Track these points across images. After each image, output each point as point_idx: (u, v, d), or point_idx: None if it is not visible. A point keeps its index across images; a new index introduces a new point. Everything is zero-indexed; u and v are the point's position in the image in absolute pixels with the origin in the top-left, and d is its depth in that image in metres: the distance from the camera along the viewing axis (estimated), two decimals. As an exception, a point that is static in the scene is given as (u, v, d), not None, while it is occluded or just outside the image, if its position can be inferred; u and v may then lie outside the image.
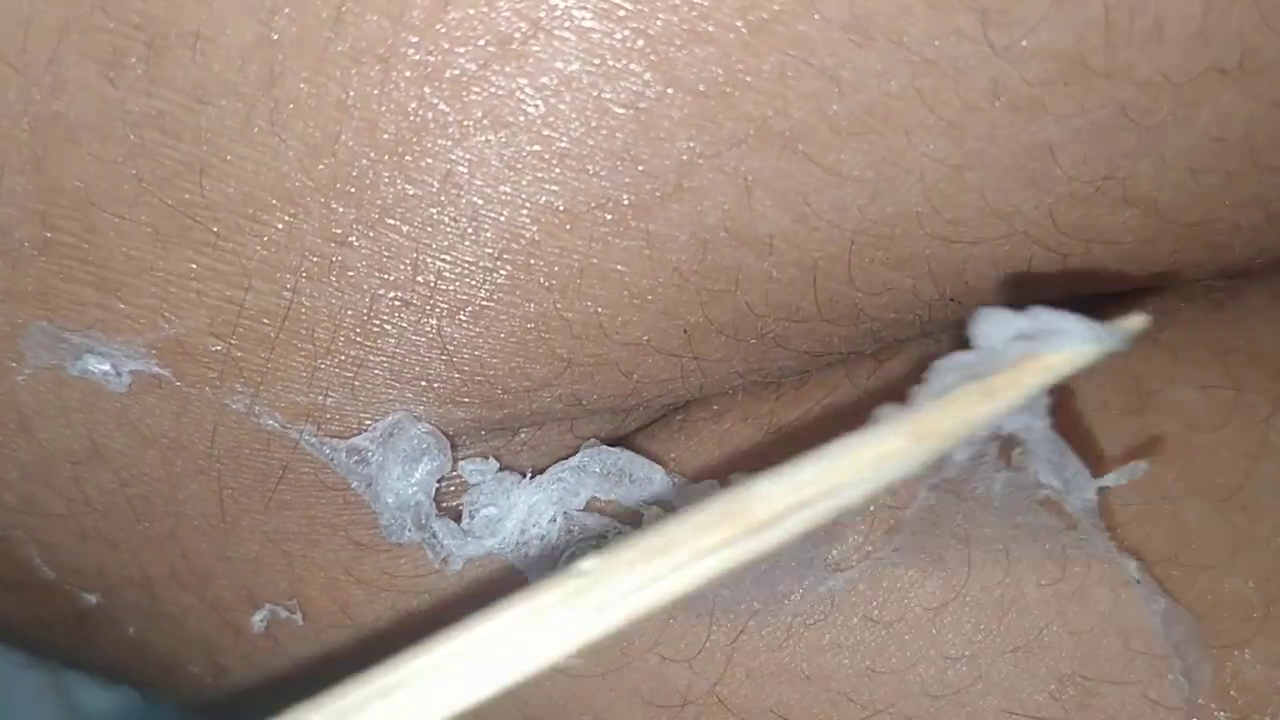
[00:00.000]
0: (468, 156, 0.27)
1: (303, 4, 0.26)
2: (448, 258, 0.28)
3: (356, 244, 0.28)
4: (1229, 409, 0.33)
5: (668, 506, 0.32)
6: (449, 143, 0.27)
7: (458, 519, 0.31)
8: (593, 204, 0.27)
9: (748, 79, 0.26)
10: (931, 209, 0.28)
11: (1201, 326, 0.34)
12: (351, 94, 0.27)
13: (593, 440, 0.33)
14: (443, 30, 0.26)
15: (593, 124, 0.27)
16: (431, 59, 0.26)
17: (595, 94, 0.27)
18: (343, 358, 0.29)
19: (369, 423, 0.30)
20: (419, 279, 0.28)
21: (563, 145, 0.27)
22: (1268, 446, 0.33)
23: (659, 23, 0.26)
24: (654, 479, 0.32)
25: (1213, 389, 0.33)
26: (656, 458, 0.33)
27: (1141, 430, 0.33)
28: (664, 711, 0.33)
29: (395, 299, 0.28)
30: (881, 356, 0.34)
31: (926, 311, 0.31)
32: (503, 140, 0.27)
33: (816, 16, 0.26)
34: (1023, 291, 0.31)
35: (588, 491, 0.32)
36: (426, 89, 0.27)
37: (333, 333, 0.29)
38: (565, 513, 0.32)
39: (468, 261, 0.28)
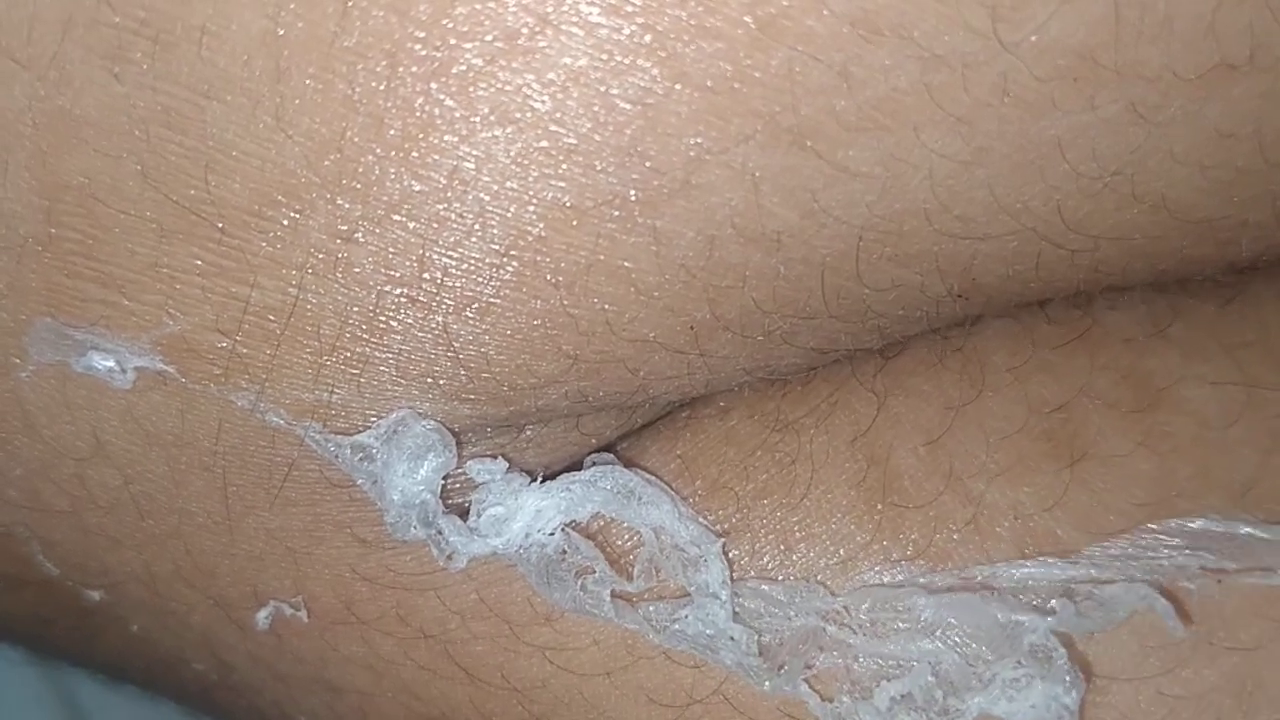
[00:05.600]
0: (474, 152, 0.27)
1: None
2: (454, 254, 0.28)
3: (362, 240, 0.28)
4: (1241, 404, 0.33)
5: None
6: (456, 139, 0.27)
7: (463, 516, 0.31)
8: (600, 200, 0.27)
9: (756, 75, 0.26)
10: (940, 205, 0.28)
11: (1210, 322, 0.34)
12: (357, 90, 0.27)
13: (608, 456, 0.33)
14: (449, 26, 0.26)
15: (600, 120, 0.27)
16: (438, 54, 0.26)
17: (602, 90, 0.27)
18: (348, 354, 0.29)
19: (374, 419, 0.30)
20: (425, 275, 0.28)
21: (570, 141, 0.27)
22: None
23: (667, 18, 0.26)
24: (661, 503, 0.32)
25: (1223, 385, 0.33)
26: (662, 454, 0.34)
27: (1152, 429, 0.33)
28: (669, 710, 0.33)
29: (401, 295, 0.28)
30: (888, 353, 0.34)
31: (934, 308, 0.31)
32: (510, 136, 0.27)
33: (825, 12, 0.26)
34: (1030, 288, 0.31)
35: (594, 506, 0.32)
36: (433, 85, 0.27)
37: (338, 329, 0.29)
38: (565, 528, 0.32)
39: (474, 258, 0.28)
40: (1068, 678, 0.31)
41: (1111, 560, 0.32)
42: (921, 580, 0.32)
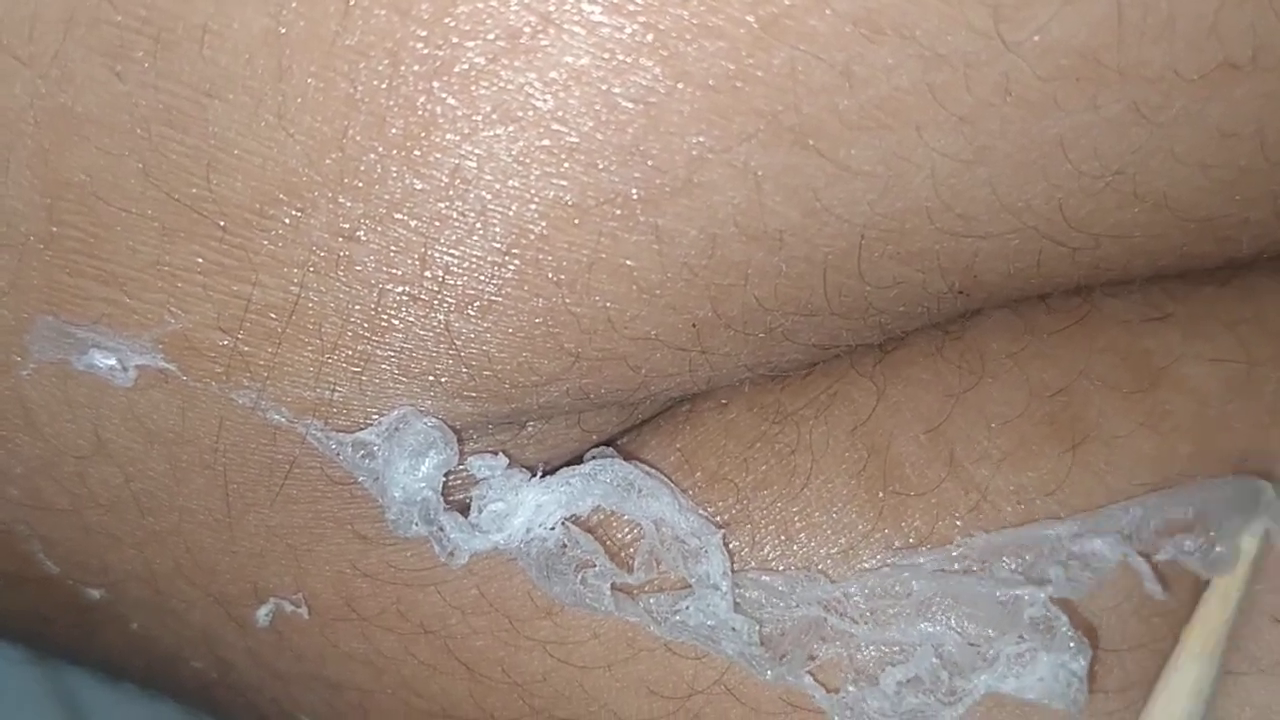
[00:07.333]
0: (476, 151, 0.27)
1: None
2: (456, 252, 0.28)
3: (364, 239, 0.28)
4: (1241, 382, 0.33)
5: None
6: (457, 137, 0.27)
7: (464, 512, 0.31)
8: (602, 199, 0.27)
9: (758, 74, 0.26)
10: (941, 204, 0.28)
11: (1209, 301, 0.34)
12: (359, 88, 0.27)
13: (608, 450, 0.33)
14: (451, 24, 0.26)
15: (602, 119, 0.27)
16: (440, 53, 0.26)
17: (605, 88, 0.27)
18: (350, 352, 0.29)
19: (376, 417, 0.30)
20: (427, 274, 0.28)
21: (572, 140, 0.27)
22: None
23: (669, 17, 0.26)
24: (661, 495, 0.32)
25: (1223, 363, 0.33)
26: (662, 447, 0.34)
27: (1153, 408, 0.33)
28: (671, 702, 0.33)
29: (403, 294, 0.28)
30: (887, 345, 0.34)
31: (935, 304, 0.31)
32: (511, 135, 0.27)
33: (827, 11, 0.26)
34: (1031, 284, 0.31)
35: (594, 499, 0.32)
36: (435, 83, 0.27)
37: (340, 327, 0.29)
38: (564, 522, 0.32)
39: (476, 256, 0.28)
40: (1072, 644, 0.31)
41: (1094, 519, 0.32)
42: (920, 561, 0.32)
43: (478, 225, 0.28)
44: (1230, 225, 0.31)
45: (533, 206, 0.27)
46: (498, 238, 0.28)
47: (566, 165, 0.27)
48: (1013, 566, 0.32)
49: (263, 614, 0.33)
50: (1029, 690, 0.31)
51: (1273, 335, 0.34)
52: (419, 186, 0.27)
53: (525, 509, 0.31)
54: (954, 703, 0.31)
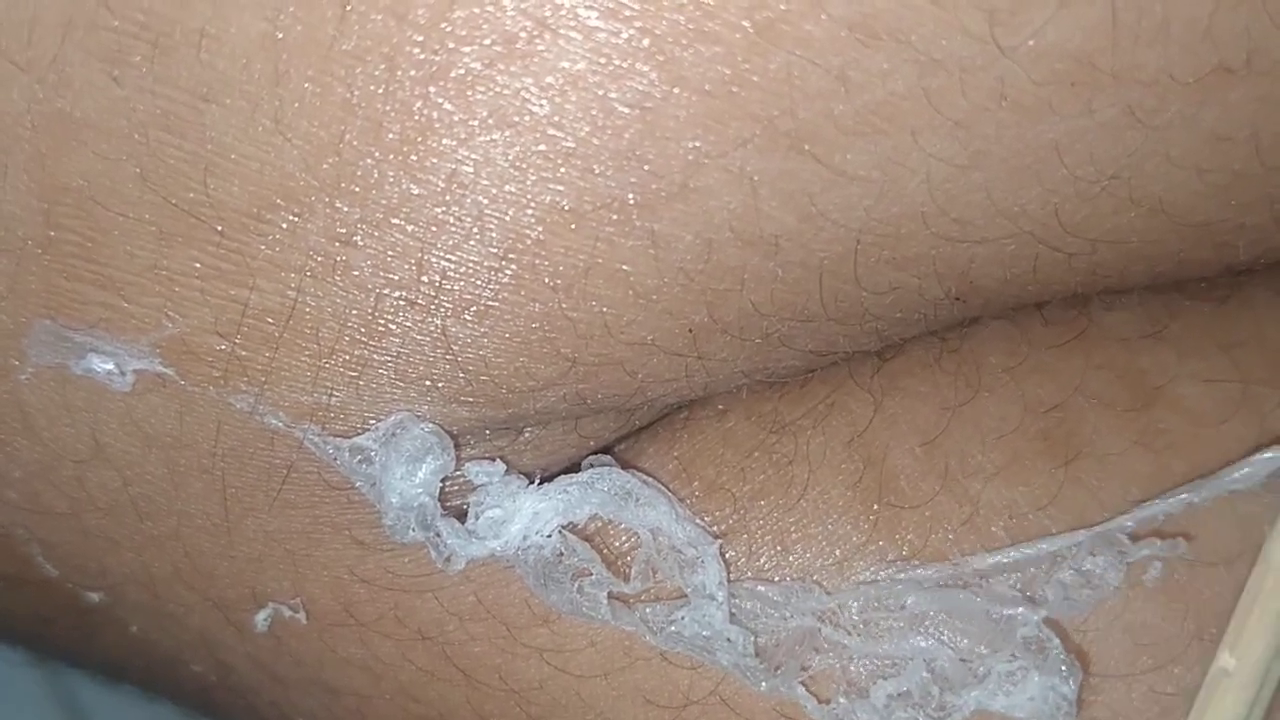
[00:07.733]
0: (473, 156, 0.27)
1: (308, 3, 0.26)
2: (453, 257, 0.28)
3: (361, 243, 0.28)
4: (1235, 402, 0.33)
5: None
6: (454, 142, 0.27)
7: (461, 518, 0.31)
8: (598, 204, 0.27)
9: (754, 79, 0.26)
10: (937, 209, 0.28)
11: (1206, 320, 0.34)
12: (356, 93, 0.27)
13: (606, 458, 0.33)
14: (448, 29, 0.26)
15: (598, 123, 0.27)
16: (436, 58, 0.26)
17: (601, 93, 0.27)
18: (347, 357, 0.29)
19: (373, 422, 0.30)
20: (424, 279, 0.28)
21: (568, 145, 0.27)
22: (1274, 438, 0.33)
23: (665, 22, 0.26)
24: (658, 504, 0.32)
25: (1218, 383, 0.33)
26: (660, 455, 0.34)
27: (1148, 427, 0.33)
28: (666, 711, 0.33)
29: (400, 298, 0.28)
30: (885, 355, 0.34)
31: (932, 310, 0.31)
32: (508, 140, 0.27)
33: (823, 16, 0.26)
34: (1027, 290, 0.31)
35: (592, 508, 0.32)
36: (431, 88, 0.27)
37: (337, 332, 0.29)
38: (561, 530, 0.32)
39: (473, 261, 0.28)
40: (1064, 667, 0.31)
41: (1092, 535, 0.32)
42: (914, 574, 0.32)
43: (474, 230, 0.28)
44: (1227, 230, 0.31)
45: (529, 211, 0.28)
46: (494, 243, 0.28)
47: (563, 170, 0.27)
48: (1010, 583, 0.32)
49: (261, 619, 0.33)
50: (1018, 709, 0.31)
51: (1269, 354, 0.34)
52: (415, 191, 0.27)
53: (522, 516, 0.31)
54: (943, 718, 0.31)
